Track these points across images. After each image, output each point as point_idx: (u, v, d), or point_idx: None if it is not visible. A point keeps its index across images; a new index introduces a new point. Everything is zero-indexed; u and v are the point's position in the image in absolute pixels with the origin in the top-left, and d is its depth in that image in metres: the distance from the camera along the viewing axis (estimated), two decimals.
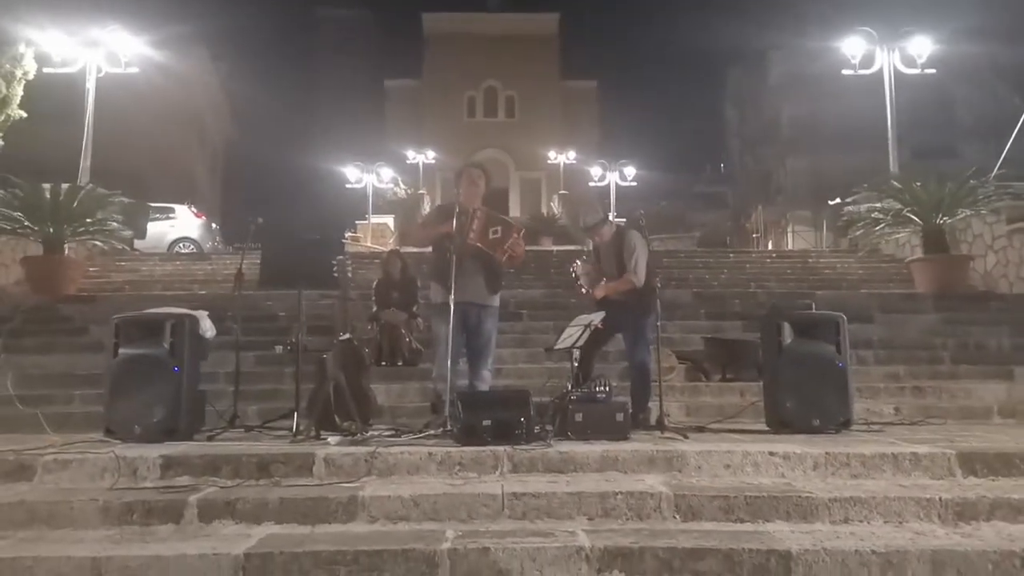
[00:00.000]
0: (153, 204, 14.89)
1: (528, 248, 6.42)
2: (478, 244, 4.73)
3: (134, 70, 14.53)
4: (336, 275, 4.53)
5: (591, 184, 31.36)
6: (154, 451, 3.83)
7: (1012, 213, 10.64)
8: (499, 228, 4.91)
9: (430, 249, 5.19)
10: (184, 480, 3.65)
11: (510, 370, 6.72)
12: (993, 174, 11.12)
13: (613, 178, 29.42)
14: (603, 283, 5.21)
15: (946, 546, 3.03)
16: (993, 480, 3.64)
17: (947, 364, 7.18)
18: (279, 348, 5.55)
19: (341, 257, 4.64)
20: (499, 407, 4.08)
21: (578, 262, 5.51)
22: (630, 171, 29.83)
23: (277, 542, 3.07)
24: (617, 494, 3.38)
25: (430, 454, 3.78)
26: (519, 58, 41.61)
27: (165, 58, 17.88)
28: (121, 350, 4.47)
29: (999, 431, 5.00)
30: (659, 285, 4.88)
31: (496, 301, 5.16)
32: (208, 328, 4.67)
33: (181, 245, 16.37)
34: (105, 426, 4.41)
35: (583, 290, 5.30)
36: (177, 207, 17.16)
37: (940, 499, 3.36)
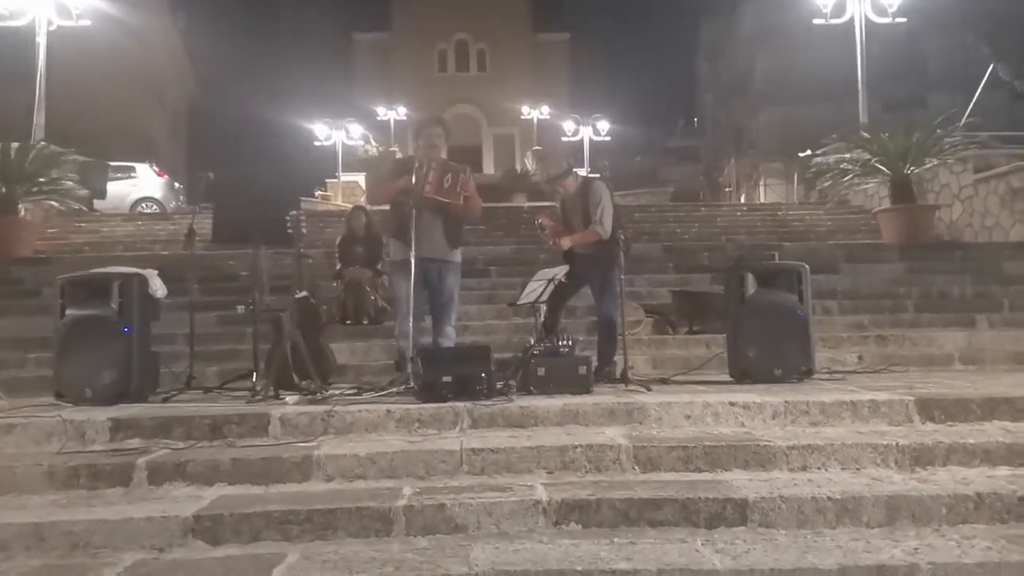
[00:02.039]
0: (113, 163, 14.43)
1: (501, 205, 6.33)
2: (435, 196, 4.61)
3: (86, 22, 13.92)
4: (290, 231, 4.39)
5: (564, 139, 31.07)
6: (103, 414, 3.73)
7: (979, 163, 10.71)
8: (450, 175, 4.78)
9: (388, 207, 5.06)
10: (134, 443, 3.56)
11: (477, 327, 6.66)
12: (962, 123, 11.14)
13: (587, 133, 29.19)
14: (569, 235, 5.13)
15: (901, 491, 3.05)
16: (950, 426, 3.67)
17: (911, 313, 7.25)
18: (240, 308, 5.43)
19: (295, 212, 4.50)
20: (460, 363, 4.02)
21: (542, 215, 5.41)
22: (603, 126, 29.60)
23: (229, 503, 3.01)
24: (576, 447, 3.35)
25: (388, 411, 3.73)
26: (490, 10, 40.78)
27: (120, 11, 17.19)
28: (68, 311, 4.32)
29: (959, 377, 5.06)
30: (623, 237, 4.80)
31: (457, 256, 5.07)
32: (159, 287, 4.52)
33: (143, 205, 15.97)
34: (55, 390, 4.29)
35: (549, 242, 5.21)
36: (138, 166, 16.68)
37: (897, 445, 3.38)
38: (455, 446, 3.38)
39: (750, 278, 4.71)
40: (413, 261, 4.57)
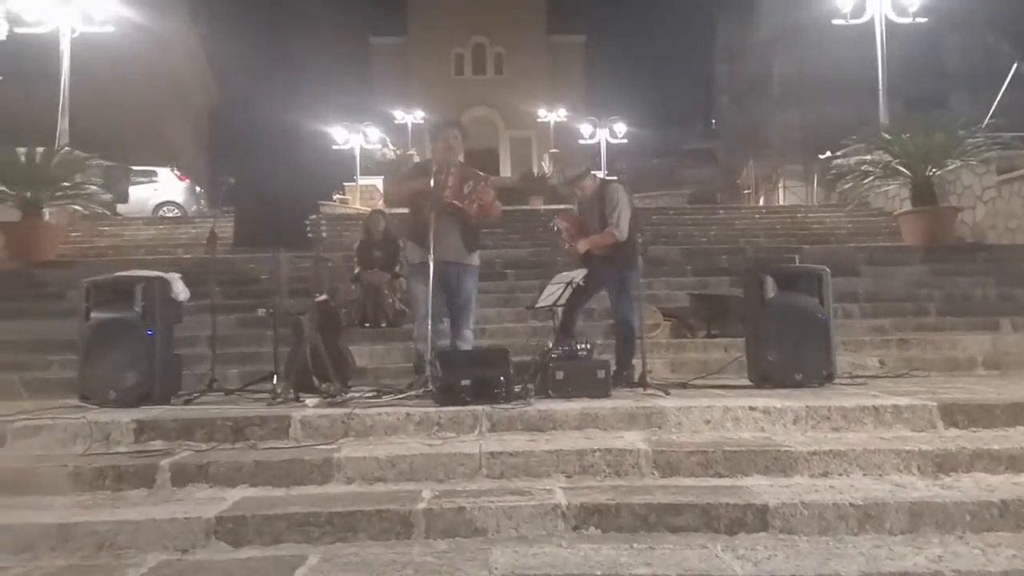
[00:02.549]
0: (135, 167, 14.62)
1: (518, 208, 6.35)
2: (453, 201, 4.63)
3: (110, 29, 14.11)
4: (310, 235, 4.43)
5: (581, 142, 31.04)
6: (127, 416, 3.78)
7: (1002, 164, 10.56)
8: (471, 182, 4.80)
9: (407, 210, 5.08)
10: (157, 444, 3.60)
11: (495, 329, 6.67)
12: (984, 124, 10.99)
13: (603, 135, 29.12)
14: (586, 238, 5.13)
15: (925, 498, 3.02)
16: (974, 431, 3.63)
17: (933, 316, 7.18)
18: (261, 311, 5.48)
19: (315, 217, 4.53)
20: (478, 366, 4.03)
21: (558, 217, 5.43)
22: (620, 128, 29.52)
23: (251, 505, 3.04)
24: (596, 451, 3.35)
25: (408, 414, 3.74)
26: (506, 13, 40.81)
27: (143, 17, 17.39)
28: (92, 314, 4.38)
29: (982, 382, 5.00)
30: (640, 240, 4.80)
31: (475, 260, 5.08)
32: (181, 291, 4.58)
33: (165, 209, 16.15)
34: (79, 392, 4.35)
35: (565, 244, 5.22)
36: (160, 170, 16.87)
37: (920, 451, 3.34)
38: (474, 449, 3.39)
39: (770, 281, 4.68)
40: (431, 264, 4.59)
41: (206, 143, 32.50)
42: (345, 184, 26.53)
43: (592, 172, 5.36)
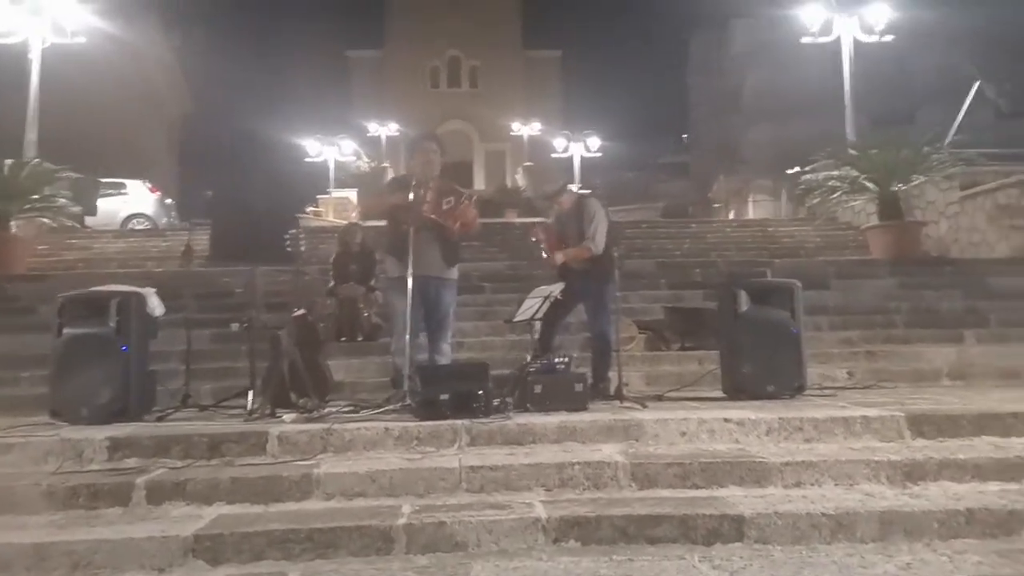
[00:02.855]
0: (104, 179, 14.41)
1: (493, 221, 6.42)
2: (432, 216, 4.66)
3: (81, 40, 13.96)
4: (289, 250, 4.43)
5: (555, 156, 31.25)
6: (101, 433, 3.73)
7: (965, 180, 10.86)
8: (452, 198, 4.84)
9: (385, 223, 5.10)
10: (132, 462, 3.56)
11: (473, 343, 6.69)
12: (947, 141, 11.30)
13: (578, 149, 29.35)
14: (563, 250, 5.19)
15: (894, 507, 3.10)
16: (941, 441, 3.72)
17: (900, 328, 7.33)
18: (235, 326, 5.43)
19: (294, 231, 4.53)
20: (457, 380, 4.05)
21: (538, 228, 5.49)
22: (594, 142, 29.78)
23: (229, 522, 3.02)
24: (574, 464, 3.38)
25: (387, 429, 3.75)
26: (482, 27, 41.08)
27: (114, 28, 17.21)
28: (65, 330, 4.32)
29: (948, 393, 5.12)
30: (617, 255, 4.86)
31: (454, 274, 5.11)
32: (156, 306, 4.54)
33: (135, 221, 15.93)
34: (51, 408, 4.29)
35: (544, 255, 5.27)
36: (129, 182, 16.65)
37: (889, 461, 3.43)
38: (454, 464, 3.40)
39: (743, 295, 4.77)
40: (411, 278, 4.60)
41: (179, 155, 32.14)
42: (319, 197, 26.40)
43: (569, 187, 5.43)
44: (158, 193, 17.24)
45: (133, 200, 16.26)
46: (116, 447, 3.61)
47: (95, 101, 21.48)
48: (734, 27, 31.59)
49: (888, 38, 15.90)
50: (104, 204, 14.10)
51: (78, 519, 3.12)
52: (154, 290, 4.61)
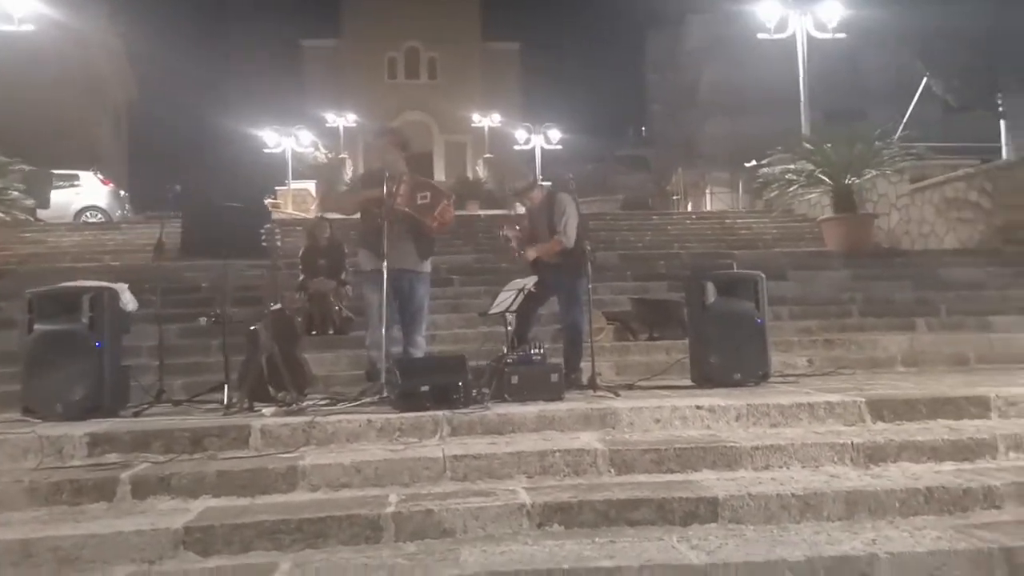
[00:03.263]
0: (56, 171, 14.02)
1: (458, 213, 6.49)
2: (405, 209, 4.71)
3: (29, 27, 13.54)
4: (265, 244, 4.42)
5: (515, 148, 31.33)
6: (79, 429, 3.70)
7: (915, 173, 11.28)
8: (428, 194, 4.89)
9: (358, 216, 5.13)
10: (113, 457, 3.55)
11: (445, 335, 6.75)
12: (897, 136, 11.71)
13: (538, 141, 29.48)
14: (535, 246, 5.28)
15: (858, 487, 3.27)
16: (899, 424, 3.92)
17: (855, 317, 7.62)
18: (203, 320, 5.43)
19: (269, 225, 4.53)
20: (437, 372, 4.12)
21: (505, 226, 5.56)
22: (555, 134, 29.94)
23: (217, 515, 3.05)
24: (555, 452, 3.49)
25: (369, 421, 3.80)
26: (440, 18, 40.83)
27: (58, 14, 16.70)
28: (36, 326, 4.26)
29: (903, 379, 5.37)
30: (589, 247, 4.98)
31: (427, 267, 5.17)
32: (129, 301, 4.50)
33: (88, 214, 15.54)
34: (23, 405, 4.22)
35: (515, 253, 5.35)
36: (82, 174, 16.22)
37: (852, 444, 3.61)
38: (437, 453, 3.48)
39: (710, 287, 4.93)
40: (385, 272, 4.64)
41: (126, 145, 31.28)
42: (277, 188, 26.05)
43: (539, 182, 5.51)
44: (111, 185, 16.82)
45: (86, 192, 15.85)
46: (96, 443, 3.60)
47: (37, 89, 20.80)
48: (690, 22, 32.05)
49: (841, 35, 16.37)
50: (56, 196, 13.74)
51: (63, 515, 3.11)
52: (126, 285, 4.57)
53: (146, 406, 4.48)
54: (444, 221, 4.82)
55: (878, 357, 6.39)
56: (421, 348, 5.12)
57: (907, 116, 14.48)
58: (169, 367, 5.52)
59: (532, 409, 3.99)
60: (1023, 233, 9.52)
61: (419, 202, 4.74)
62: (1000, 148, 15.45)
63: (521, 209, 5.95)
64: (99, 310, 4.27)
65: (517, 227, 5.45)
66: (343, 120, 34.76)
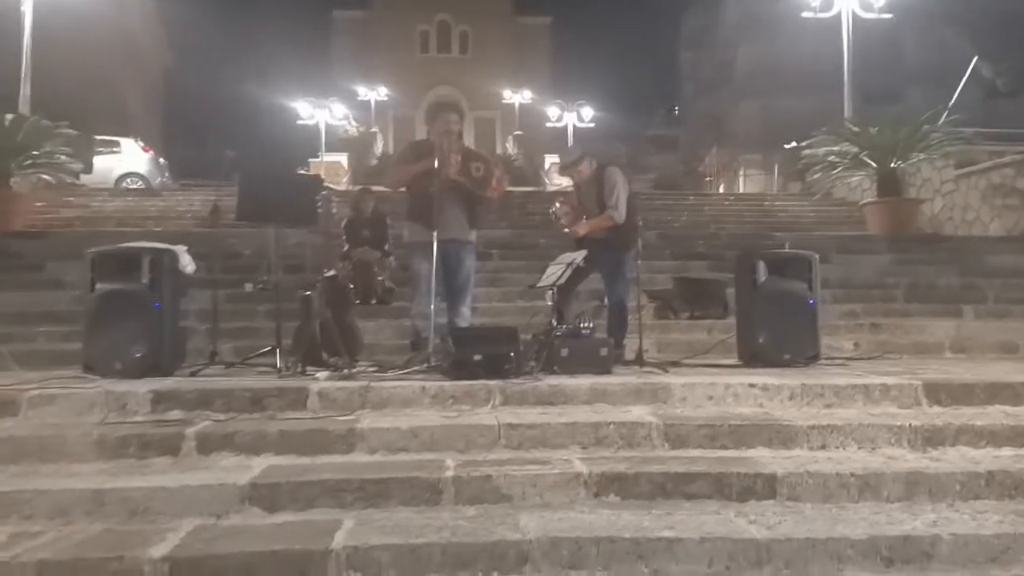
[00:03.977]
0: (98, 137, 14.19)
1: None
2: (459, 179, 4.72)
3: None
4: (320, 211, 4.46)
5: (547, 125, 31.13)
6: (142, 386, 3.79)
7: (960, 159, 11.03)
8: (480, 165, 4.89)
9: (404, 189, 5.13)
10: (176, 414, 3.63)
11: (484, 308, 6.75)
12: (942, 120, 11.45)
13: (569, 119, 29.27)
14: (584, 221, 5.26)
15: (916, 468, 3.25)
16: (956, 409, 3.87)
17: (900, 302, 7.50)
18: (249, 286, 5.50)
19: (325, 192, 4.56)
20: (489, 342, 4.14)
21: (557, 203, 5.54)
22: (586, 112, 29.71)
23: (280, 472, 3.11)
24: (609, 424, 3.50)
25: (423, 388, 3.83)
26: None
27: None
28: (98, 285, 4.35)
29: (953, 364, 5.30)
30: (641, 223, 4.95)
31: (474, 237, 5.19)
32: (188, 263, 4.57)
33: (129, 180, 15.74)
34: (84, 362, 4.32)
35: (564, 229, 5.34)
36: (123, 140, 16.41)
37: (910, 426, 3.57)
38: (492, 421, 3.51)
39: (762, 265, 4.89)
40: (435, 242, 4.66)
41: (163, 113, 31.57)
42: (309, 160, 26.18)
43: (588, 156, 5.47)
44: (151, 152, 17.01)
45: (127, 159, 16.04)
46: (159, 400, 3.67)
47: (78, 56, 21.00)
48: (728, 0, 31.47)
49: (887, 15, 15.96)
50: (98, 162, 13.92)
51: (130, 468, 3.20)
52: (185, 248, 4.64)
53: (201, 367, 4.56)
54: (501, 191, 4.83)
55: (925, 342, 6.30)
56: (466, 319, 5.15)
57: (953, 99, 14.13)
58: (222, 331, 5.62)
59: (583, 382, 4.00)
60: None
61: (474, 174, 4.75)
62: None
63: (559, 184, 5.94)
64: (159, 271, 4.35)
65: (566, 203, 5.43)
66: (374, 94, 34.76)
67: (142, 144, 16.91)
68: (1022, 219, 9.97)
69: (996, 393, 3.98)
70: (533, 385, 3.90)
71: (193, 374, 4.37)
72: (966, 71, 14.56)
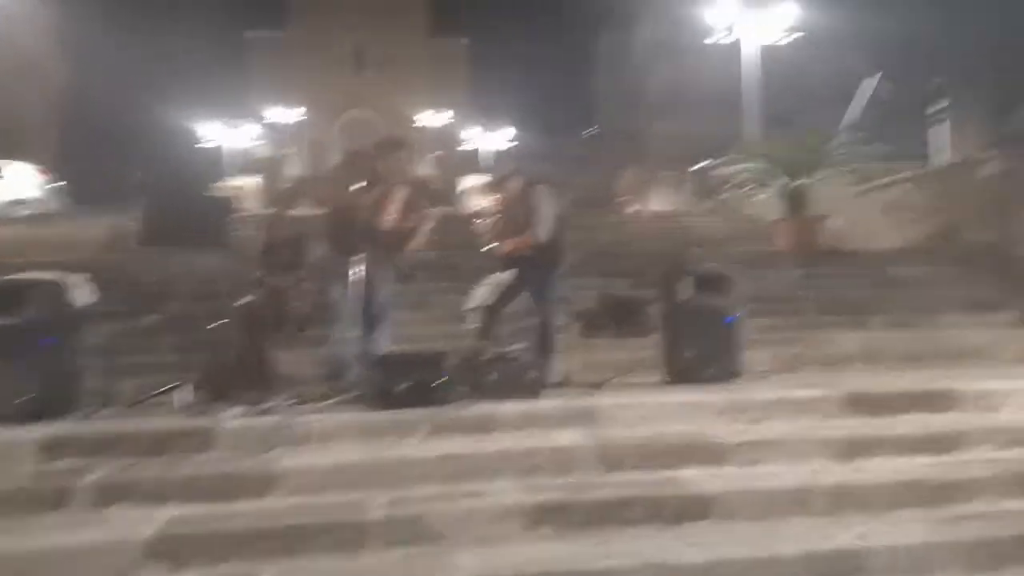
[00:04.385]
0: None
1: None
2: (390, 221, 4.64)
3: None
4: (230, 235, 4.20)
5: (465, 146, 31.20)
6: (29, 433, 3.44)
7: (861, 175, 11.59)
8: (413, 221, 4.83)
9: (325, 211, 4.96)
10: (69, 463, 3.30)
11: (409, 334, 6.55)
12: (843, 138, 12.02)
13: (489, 139, 29.42)
14: (509, 239, 5.18)
15: (842, 481, 3.29)
16: (876, 419, 3.96)
17: (811, 315, 7.73)
18: (151, 318, 5.16)
19: (236, 215, 4.31)
20: (415, 369, 3.97)
21: (477, 217, 5.46)
22: (504, 133, 29.94)
23: (188, 523, 2.87)
24: (542, 450, 3.40)
25: (346, 420, 3.64)
26: (388, 12, 40.35)
27: None
28: None
29: (865, 375, 5.46)
30: (566, 243, 4.90)
31: (394, 265, 5.05)
32: (82, 295, 4.21)
33: (21, 206, 14.70)
34: None
35: (488, 247, 5.24)
36: (10, 164, 15.35)
37: (833, 438, 3.63)
38: (421, 453, 3.35)
39: (684, 282, 4.91)
40: (352, 269, 4.50)
41: (63, 137, 29.82)
42: (220, 182, 25.26)
43: (518, 173, 5.40)
44: (46, 176, 15.98)
45: (16, 183, 15.00)
46: (49, 447, 3.34)
47: None
48: (640, 24, 32.43)
49: (787, 41, 16.75)
50: None
51: (15, 527, 2.87)
52: (81, 277, 4.27)
53: (98, 408, 4.19)
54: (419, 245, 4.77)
55: (836, 354, 6.46)
56: (387, 346, 4.97)
57: (851, 119, 14.90)
58: (120, 367, 5.22)
59: (513, 407, 3.89)
60: (964, 233, 9.87)
61: (403, 223, 4.66)
62: (934, 154, 16.06)
63: (476, 206, 5.88)
64: (46, 305, 3.97)
65: (488, 219, 5.34)
66: (288, 115, 34.02)
67: (39, 168, 15.86)
68: (919, 232, 10.54)
69: (912, 402, 4.09)
70: (462, 412, 3.76)
71: (88, 417, 4.00)
72: (865, 91, 15.39)
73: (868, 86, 14.66)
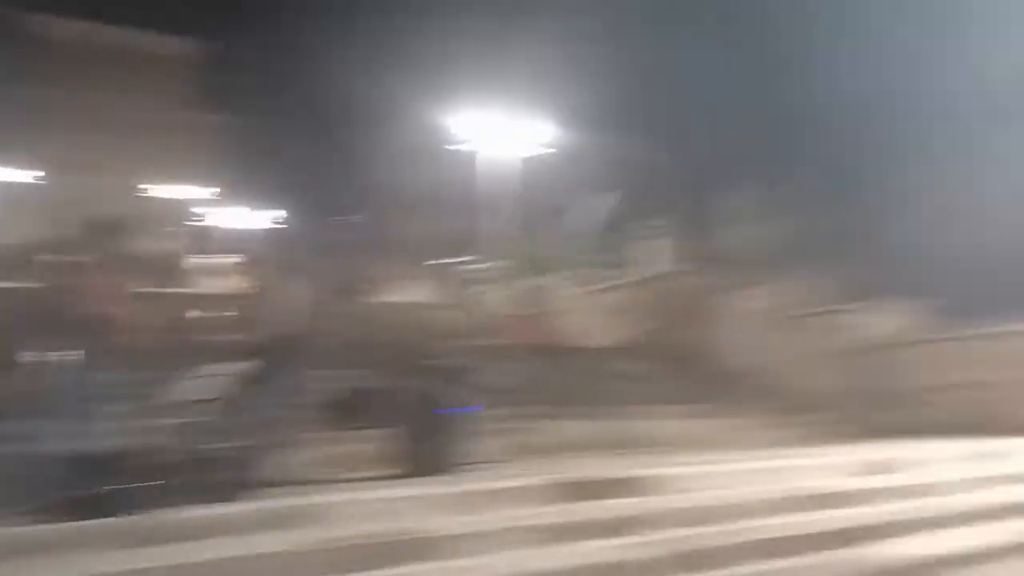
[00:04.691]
0: None
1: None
2: (101, 305, 4.21)
3: None
4: None
5: (215, 224, 29.53)
6: None
7: (589, 277, 12.91)
8: (125, 294, 4.44)
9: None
10: None
11: (116, 427, 5.83)
12: (573, 245, 13.35)
13: (248, 218, 28.27)
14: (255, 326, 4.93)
15: (546, 568, 3.45)
16: (585, 503, 4.25)
17: (542, 407, 8.23)
18: None
19: None
20: (99, 471, 3.49)
21: (221, 303, 5.14)
22: (268, 213, 29.06)
23: None
24: (233, 559, 3.14)
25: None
26: (143, 77, 37.55)
27: None
28: None
29: (588, 461, 5.88)
30: (307, 334, 4.78)
31: (97, 351, 4.56)
32: None
33: None
34: None
35: (228, 335, 4.93)
36: None
37: (545, 524, 3.83)
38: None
39: (421, 375, 5.01)
40: (58, 356, 4.01)
41: None
42: None
43: (265, 260, 5.22)
44: None
45: None
46: None
47: None
48: (390, 126, 33.80)
49: (536, 155, 18.55)
50: None
51: None
52: None
53: None
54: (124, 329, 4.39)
55: (562, 442, 6.93)
56: (88, 443, 4.37)
57: (581, 229, 16.61)
58: None
59: (213, 511, 3.57)
60: (670, 335, 11.30)
61: (115, 304, 4.26)
62: (652, 265, 18.42)
63: (209, 288, 5.58)
64: None
65: (231, 303, 5.06)
66: (20, 175, 29.70)
67: None
68: (633, 332, 11.88)
69: (617, 487, 4.46)
70: (156, 521, 3.36)
71: None
72: (598, 204, 17.22)
73: (603, 200, 16.56)
